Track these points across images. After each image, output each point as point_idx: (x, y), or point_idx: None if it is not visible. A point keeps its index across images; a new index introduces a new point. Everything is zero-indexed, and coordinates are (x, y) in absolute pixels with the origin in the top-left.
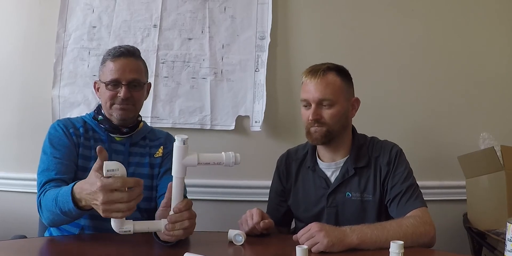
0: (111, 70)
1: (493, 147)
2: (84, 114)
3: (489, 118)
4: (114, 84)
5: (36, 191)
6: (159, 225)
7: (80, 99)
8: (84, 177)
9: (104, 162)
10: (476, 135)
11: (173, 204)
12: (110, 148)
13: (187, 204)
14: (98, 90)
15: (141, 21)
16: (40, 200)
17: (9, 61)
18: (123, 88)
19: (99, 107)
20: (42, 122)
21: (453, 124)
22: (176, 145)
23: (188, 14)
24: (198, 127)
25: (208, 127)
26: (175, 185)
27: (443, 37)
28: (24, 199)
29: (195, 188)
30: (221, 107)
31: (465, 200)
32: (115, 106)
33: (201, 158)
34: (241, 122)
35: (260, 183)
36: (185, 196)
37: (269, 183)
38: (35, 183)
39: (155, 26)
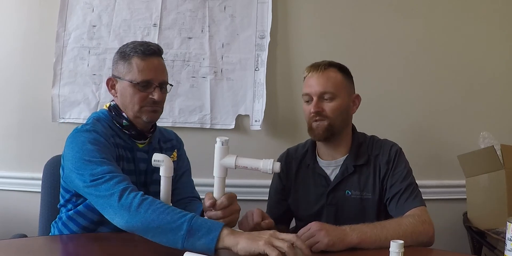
0: (142, 70)
1: (493, 146)
2: (89, 119)
3: (489, 117)
4: (145, 85)
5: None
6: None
7: (80, 98)
8: None
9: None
10: (476, 134)
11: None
12: (137, 157)
13: (230, 198)
14: (112, 88)
15: (141, 20)
16: (138, 202)
17: (9, 60)
18: (157, 90)
19: (116, 110)
20: (42, 122)
21: (453, 123)
22: (217, 145)
23: (188, 13)
24: (198, 126)
25: (208, 126)
26: (216, 184)
27: (443, 37)
28: (24, 198)
29: (196, 188)
30: (221, 106)
31: (465, 199)
32: (146, 108)
33: (238, 161)
34: (241, 121)
35: (260, 182)
36: None
37: (269, 182)
38: (35, 182)
39: (155, 25)
